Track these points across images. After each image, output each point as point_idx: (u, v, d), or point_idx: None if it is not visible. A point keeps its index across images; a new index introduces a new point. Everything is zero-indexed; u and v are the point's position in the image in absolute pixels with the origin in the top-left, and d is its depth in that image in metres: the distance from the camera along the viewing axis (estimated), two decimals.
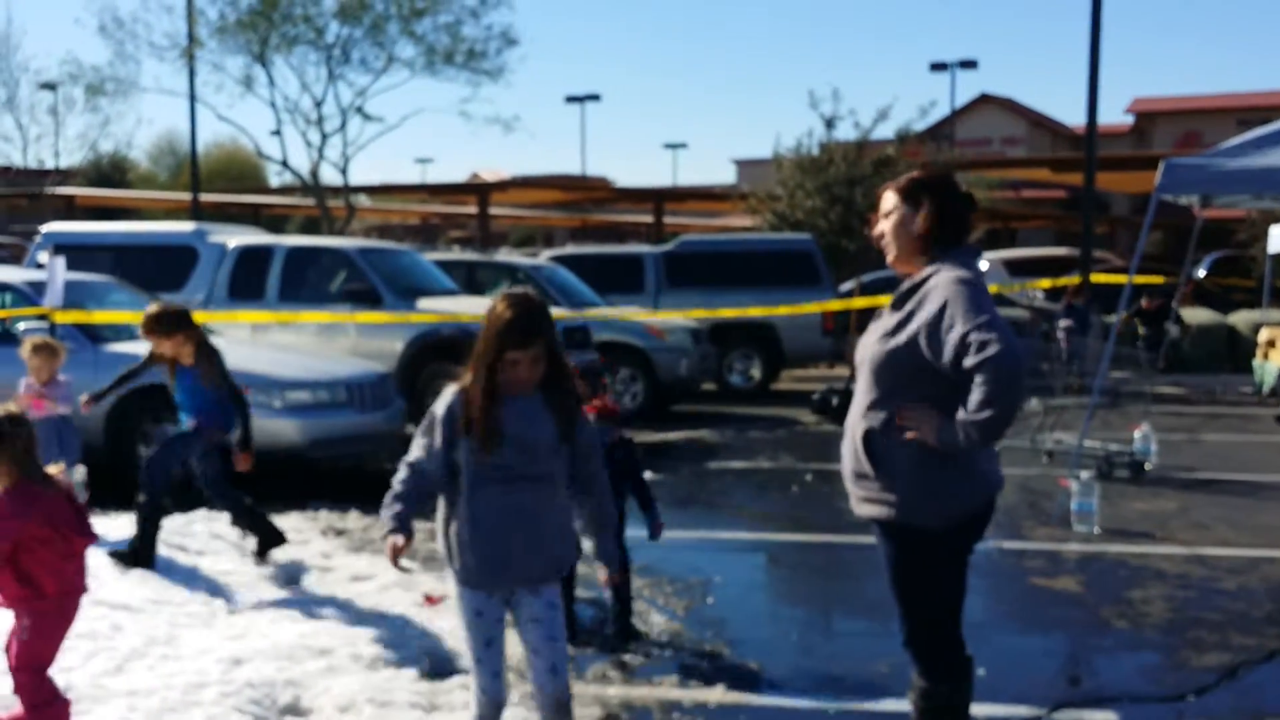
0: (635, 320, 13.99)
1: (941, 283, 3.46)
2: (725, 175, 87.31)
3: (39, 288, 9.05)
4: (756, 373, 16.54)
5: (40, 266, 11.04)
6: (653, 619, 5.90)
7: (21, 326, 8.72)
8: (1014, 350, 3.28)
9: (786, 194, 22.82)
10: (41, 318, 8.66)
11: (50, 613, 3.90)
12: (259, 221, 35.05)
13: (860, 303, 14.03)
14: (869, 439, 3.57)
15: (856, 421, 3.63)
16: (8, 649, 3.88)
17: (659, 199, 37.86)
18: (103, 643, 4.97)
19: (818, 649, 5.71)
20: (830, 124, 22.80)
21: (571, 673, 5.05)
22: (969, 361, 3.29)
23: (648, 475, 10.11)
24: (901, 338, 3.50)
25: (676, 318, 14.37)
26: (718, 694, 4.91)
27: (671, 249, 17.16)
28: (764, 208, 23.61)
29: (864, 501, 3.63)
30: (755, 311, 13.95)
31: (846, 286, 19.23)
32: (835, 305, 14.55)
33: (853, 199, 21.73)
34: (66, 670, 4.46)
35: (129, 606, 5.53)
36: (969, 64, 43.70)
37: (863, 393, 3.63)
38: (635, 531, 8.24)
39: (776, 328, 16.10)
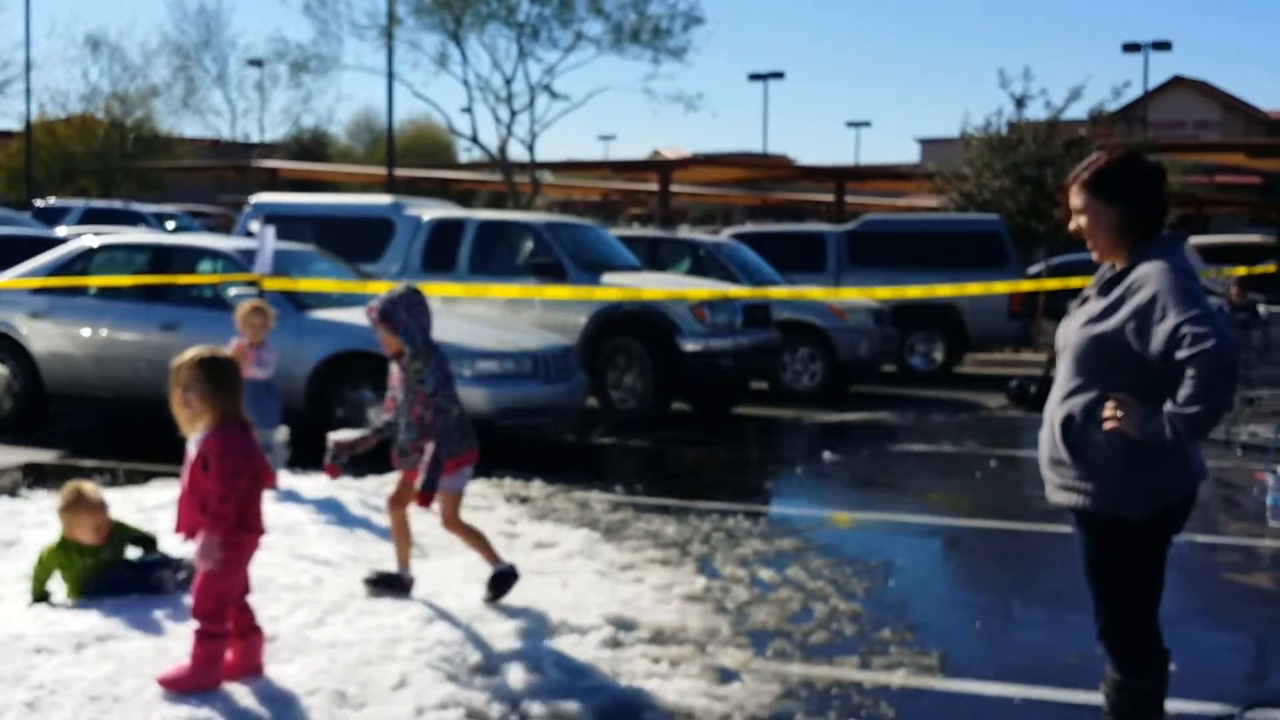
0: (816, 299, 13.88)
1: (1153, 271, 3.35)
2: (909, 154, 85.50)
3: (249, 255, 9.51)
4: (939, 355, 16.22)
5: (250, 235, 11.59)
6: (833, 600, 5.87)
7: (233, 292, 9.18)
8: (1228, 345, 3.18)
9: (974, 174, 22.31)
10: (251, 284, 9.10)
11: (247, 547, 4.14)
12: (448, 196, 35.98)
13: (1051, 285, 13.60)
14: (1068, 426, 3.49)
15: (1055, 408, 3.56)
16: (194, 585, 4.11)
17: (841, 178, 37.39)
18: (305, 595, 5.21)
19: (1002, 636, 5.60)
20: (1021, 103, 22.24)
21: (751, 649, 5.11)
22: (1181, 354, 3.20)
23: (826, 455, 10.11)
24: (1108, 325, 3.40)
25: (858, 297, 14.20)
26: (899, 678, 4.87)
27: (855, 228, 16.95)
28: (950, 187, 23.15)
29: (1060, 489, 3.56)
30: (941, 291, 13.64)
31: (1034, 269, 18.68)
32: (1026, 286, 14.14)
33: (1043, 179, 21.10)
34: (273, 620, 4.70)
35: (330, 562, 5.79)
36: (1162, 45, 41.89)
37: (1063, 379, 3.55)
38: (807, 510, 8.26)
39: (960, 310, 15.76)
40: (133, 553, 5.09)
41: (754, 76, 58.44)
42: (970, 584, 6.82)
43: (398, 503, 5.54)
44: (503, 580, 5.40)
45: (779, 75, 58.24)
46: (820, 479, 9.55)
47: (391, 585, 5.40)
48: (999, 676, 4.90)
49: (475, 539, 5.52)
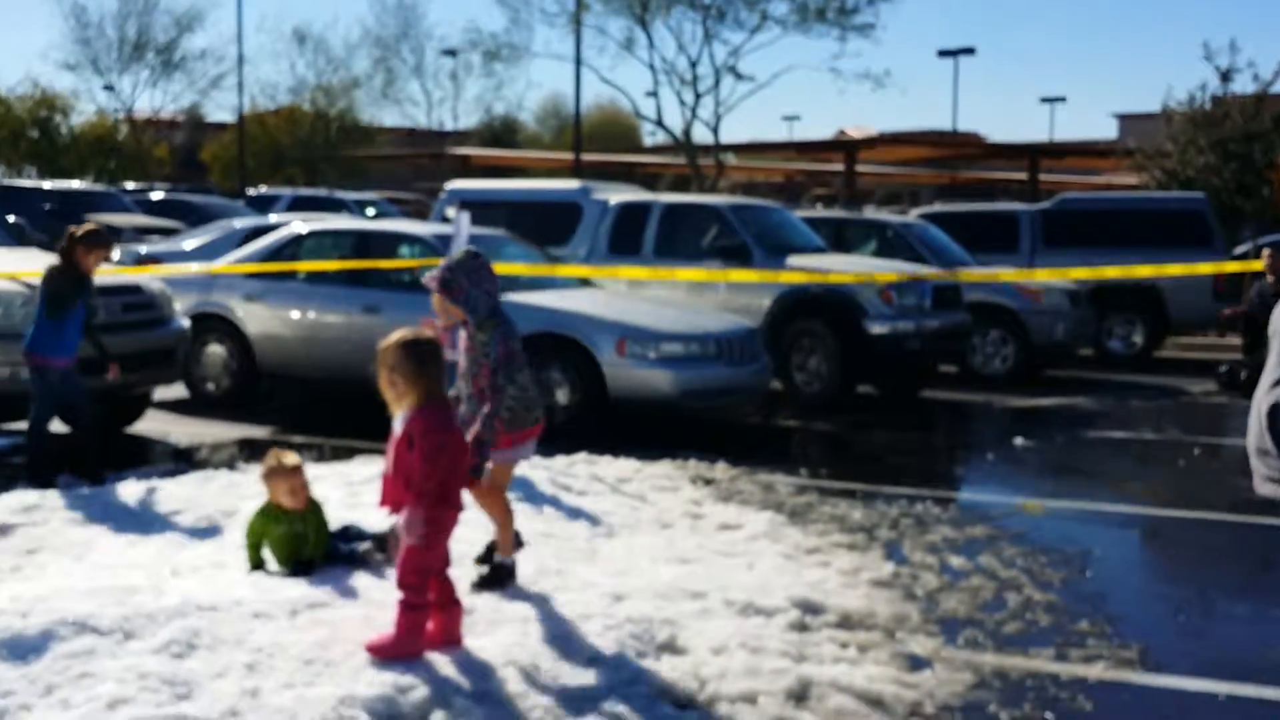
0: (1008, 281, 13.52)
1: None
2: (1105, 130, 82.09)
3: (445, 240, 9.82)
4: (1138, 339, 15.60)
5: (447, 220, 11.96)
6: (1027, 589, 5.74)
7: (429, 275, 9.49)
8: None
9: (1176, 150, 21.41)
10: None
11: (448, 522, 4.30)
12: (633, 180, 36.31)
13: (1257, 266, 12.91)
14: (1274, 415, 3.33)
15: (1264, 395, 3.40)
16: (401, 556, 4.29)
17: (1034, 155, 36.16)
18: None
19: (1205, 631, 5.39)
20: (1226, 76, 21.23)
21: (941, 637, 5.05)
22: None
23: (1018, 441, 9.86)
24: None
25: (1052, 278, 13.76)
26: (1097, 670, 4.74)
27: (1050, 207, 16.41)
28: (1151, 164, 22.25)
29: (1267, 480, 3.40)
30: (1140, 272, 13.12)
31: (1241, 249, 17.77)
32: (1232, 267, 13.47)
33: (1250, 156, 20.10)
34: (469, 593, 4.87)
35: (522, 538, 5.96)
36: None
37: (1273, 366, 3.39)
38: (999, 497, 8.06)
39: (1162, 291, 15.12)
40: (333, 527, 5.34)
41: (943, 53, 56.95)
42: (1171, 576, 6.57)
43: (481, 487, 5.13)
44: (500, 573, 5.12)
45: (969, 51, 56.59)
46: (1012, 465, 9.33)
47: (500, 579, 5.12)
48: (1202, 672, 4.72)
49: (505, 519, 5.16)
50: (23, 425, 7.73)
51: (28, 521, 5.91)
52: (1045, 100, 60.36)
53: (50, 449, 7.14)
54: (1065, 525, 7.16)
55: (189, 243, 14.87)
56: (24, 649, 4.02)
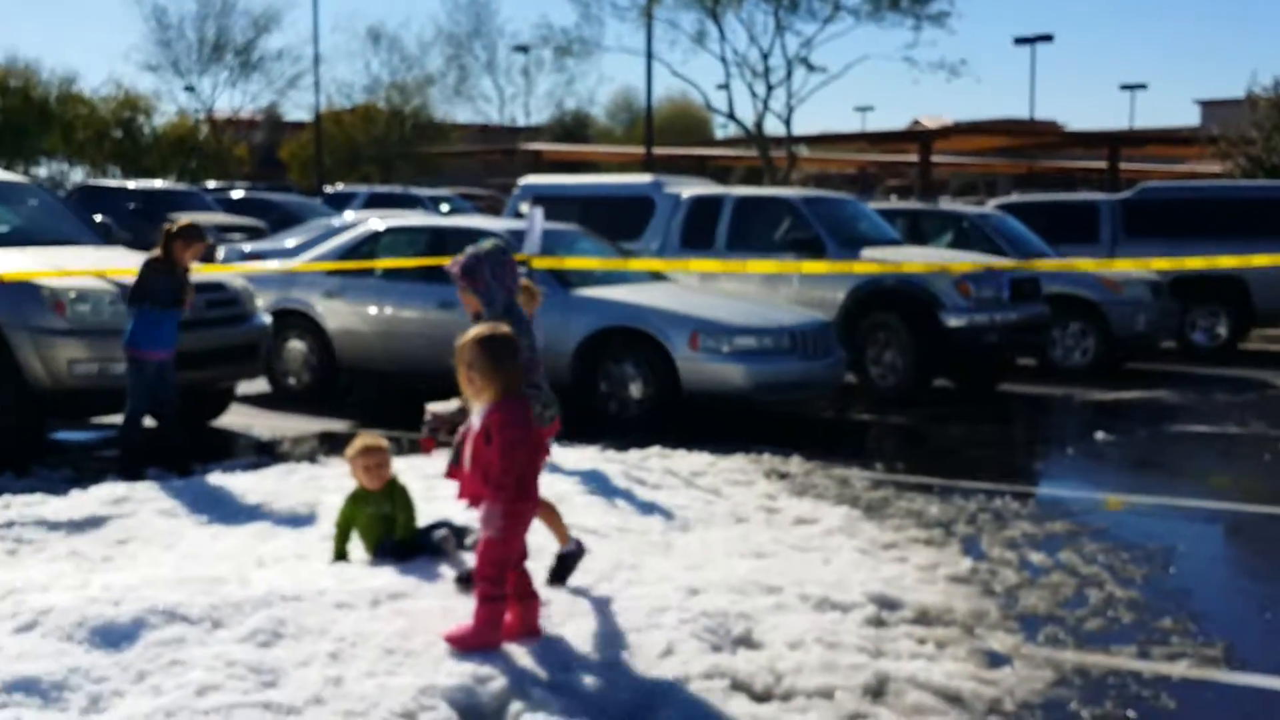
0: (1088, 271, 13.31)
1: None
2: (1188, 117, 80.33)
3: (518, 236, 9.90)
4: (1223, 330, 15.25)
5: (521, 215, 12.05)
6: (1108, 586, 5.66)
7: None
8: None
9: (1261, 137, 20.92)
10: (521, 264, 9.46)
11: (525, 515, 4.35)
12: (704, 173, 36.30)
13: None
14: None
15: None
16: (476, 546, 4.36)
17: (1114, 143, 35.58)
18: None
19: None
20: None
21: (1021, 633, 5.00)
22: None
23: (1099, 435, 9.70)
24: None
25: (1134, 269, 13.52)
26: (1180, 668, 4.67)
27: (1131, 196, 16.11)
28: (1236, 152, 21.79)
29: None
30: (1224, 262, 12.84)
31: None
32: None
33: None
34: (546, 584, 4.92)
35: (597, 531, 5.99)
36: None
37: None
38: (1079, 492, 7.94)
39: (1247, 282, 14.77)
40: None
41: (1020, 40, 56.10)
42: (1256, 572, 6.43)
43: None
44: (569, 563, 5.02)
45: (1047, 38, 55.72)
46: (1093, 460, 9.19)
47: (567, 569, 5.03)
48: None
49: (547, 511, 5.03)
50: (111, 420, 7.95)
51: (118, 513, 6.07)
52: (1125, 87, 59.34)
53: (141, 442, 7.33)
54: (1147, 521, 7.05)
55: (290, 241, 15.27)
56: (116, 636, 4.13)
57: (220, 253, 15.27)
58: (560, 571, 5.06)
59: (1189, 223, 15.18)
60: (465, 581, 4.80)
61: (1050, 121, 56.46)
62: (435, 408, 5.33)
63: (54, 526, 5.82)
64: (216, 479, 6.85)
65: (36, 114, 50.76)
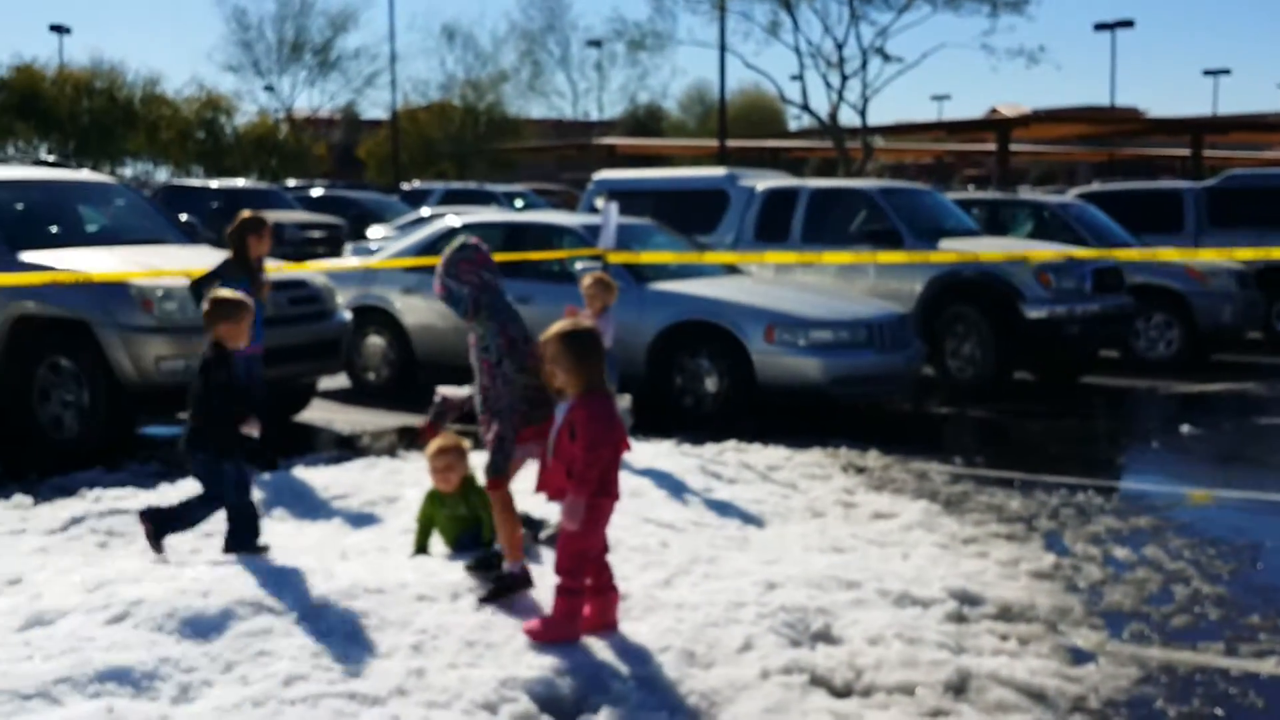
0: (1172, 261, 13.03)
1: None
2: (1273, 103, 78.42)
3: (593, 231, 9.94)
4: None
5: (596, 210, 12.08)
6: (1195, 582, 5.56)
7: (579, 266, 9.63)
8: None
9: None
10: (596, 258, 9.51)
11: (605, 509, 4.37)
12: (778, 165, 36.13)
13: None
14: None
15: None
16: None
17: (1197, 130, 34.77)
18: (653, 557, 5.43)
19: None
20: None
21: (1106, 630, 4.92)
22: None
23: (1184, 429, 9.51)
24: None
25: (1219, 259, 13.21)
26: (1269, 666, 4.57)
27: (1216, 184, 15.74)
28: None
29: None
30: None
31: None
32: None
33: None
34: (624, 579, 4.92)
35: (674, 526, 6.01)
36: None
37: None
38: (1164, 487, 7.79)
39: None
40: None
41: (1100, 26, 55.20)
42: None
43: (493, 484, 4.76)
44: (507, 583, 4.70)
45: (1127, 24, 54.72)
46: (1178, 453, 9.01)
47: (507, 588, 4.68)
48: None
49: (512, 525, 4.77)
50: None
51: None
52: (1208, 73, 58.20)
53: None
54: (1234, 516, 6.91)
55: (405, 241, 15.61)
56: (205, 627, 4.23)
57: (348, 249, 15.90)
58: (498, 591, 4.68)
59: (1276, 211, 14.80)
60: (479, 567, 4.86)
61: (1131, 108, 55.44)
62: (446, 391, 5.33)
63: None
64: (300, 473, 6.97)
65: (122, 115, 51.98)
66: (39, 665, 3.90)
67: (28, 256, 8.38)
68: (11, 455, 8.10)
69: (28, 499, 6.45)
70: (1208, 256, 12.98)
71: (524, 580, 4.72)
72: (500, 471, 4.66)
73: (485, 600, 4.61)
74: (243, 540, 5.19)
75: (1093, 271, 11.60)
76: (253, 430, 5.18)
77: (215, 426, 5.17)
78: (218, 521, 5.32)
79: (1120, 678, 4.44)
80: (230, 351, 5.29)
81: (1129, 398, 11.60)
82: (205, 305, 5.38)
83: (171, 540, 5.29)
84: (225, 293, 5.44)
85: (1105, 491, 7.32)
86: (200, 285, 7.41)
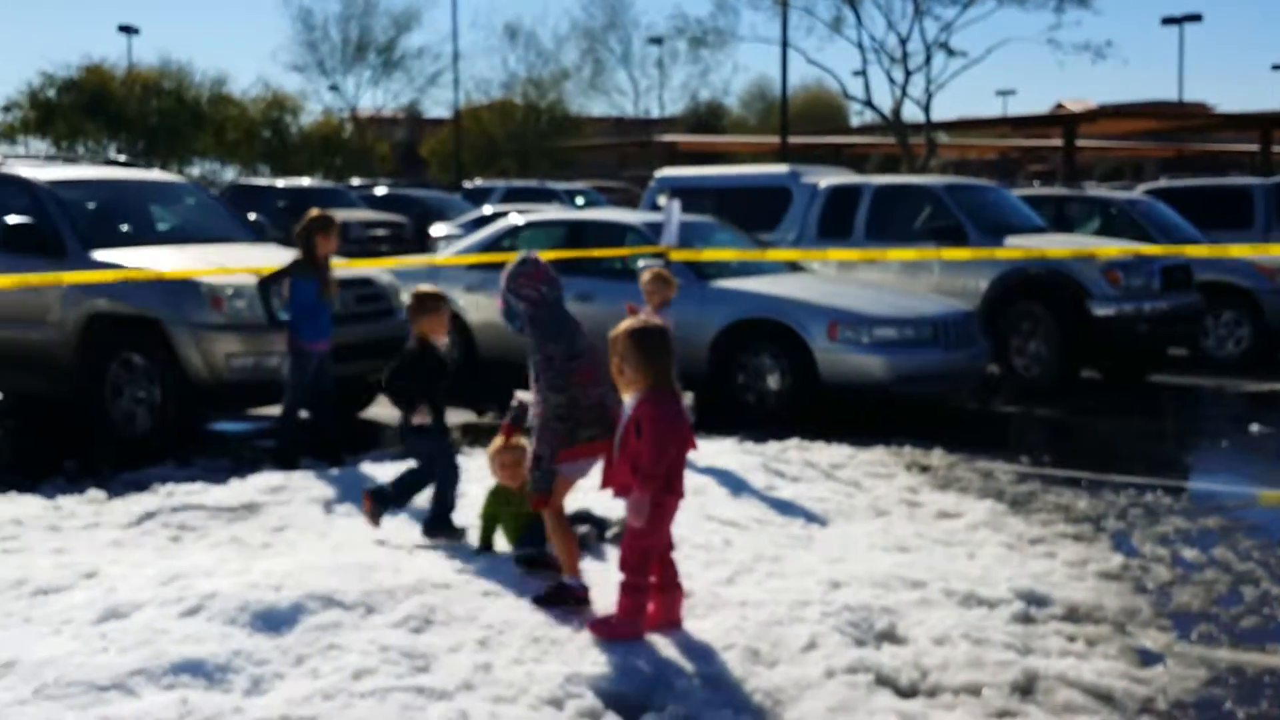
0: (1241, 258, 12.80)
1: None
2: None
3: (655, 229, 9.96)
4: None
5: (658, 208, 12.11)
6: (1264, 583, 5.46)
7: (641, 263, 9.65)
8: None
9: None
10: (658, 256, 9.53)
11: (670, 507, 4.39)
12: (840, 161, 35.93)
13: None
14: None
15: None
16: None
17: (1268, 125, 34.03)
18: (716, 555, 5.45)
19: None
20: None
21: (1174, 631, 4.86)
22: None
23: (1254, 428, 9.33)
24: None
25: None
26: None
27: None
28: None
29: None
30: None
31: None
32: None
33: None
34: (688, 576, 4.92)
35: (737, 524, 6.02)
36: None
37: None
38: (1234, 487, 7.66)
39: None
40: None
41: (1167, 20, 54.25)
42: None
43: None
44: (565, 594, 4.64)
45: (1195, 18, 53.72)
46: (1248, 453, 8.86)
47: (563, 599, 4.64)
48: None
49: (567, 541, 4.73)
50: (266, 411, 8.25)
51: (275, 501, 6.31)
52: (1277, 67, 56.77)
53: (296, 433, 7.60)
54: None
55: (469, 239, 15.95)
56: (277, 621, 4.30)
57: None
58: (547, 600, 4.64)
59: None
60: (525, 562, 4.98)
61: (1199, 103, 54.43)
62: (525, 396, 5.38)
63: (215, 514, 6.07)
64: (367, 468, 7.06)
65: (189, 115, 52.80)
66: (114, 658, 3.99)
67: (100, 255, 8.55)
68: (85, 450, 8.28)
69: (101, 493, 6.58)
70: (1277, 253, 12.73)
71: (583, 598, 4.65)
72: (539, 489, 4.60)
73: (539, 601, 4.61)
74: (442, 524, 5.52)
75: (1161, 269, 11.43)
76: (424, 419, 5.52)
77: (435, 415, 5.56)
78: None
79: (1188, 679, 4.39)
80: (434, 346, 5.62)
81: (1197, 396, 11.42)
82: (409, 301, 5.66)
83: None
84: (426, 287, 5.71)
85: (1174, 491, 7.22)
86: (269, 283, 7.54)
